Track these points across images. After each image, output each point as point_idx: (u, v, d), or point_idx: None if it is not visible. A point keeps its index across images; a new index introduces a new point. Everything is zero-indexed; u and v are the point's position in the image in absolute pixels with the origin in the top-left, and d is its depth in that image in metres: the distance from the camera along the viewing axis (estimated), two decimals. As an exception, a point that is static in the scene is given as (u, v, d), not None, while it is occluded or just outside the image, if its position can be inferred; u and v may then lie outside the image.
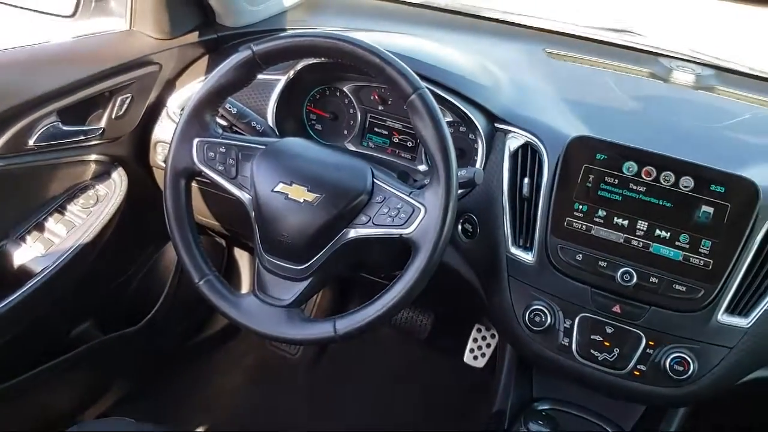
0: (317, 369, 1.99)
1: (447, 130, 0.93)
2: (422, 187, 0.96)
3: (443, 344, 1.97)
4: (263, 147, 1.03)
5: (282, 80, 1.25)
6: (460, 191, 1.09)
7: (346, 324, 0.94)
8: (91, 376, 1.65)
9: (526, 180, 1.08)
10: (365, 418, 1.85)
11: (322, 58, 1.16)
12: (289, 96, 1.26)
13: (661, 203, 0.99)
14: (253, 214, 1.01)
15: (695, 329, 0.98)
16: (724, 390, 1.01)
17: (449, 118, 1.19)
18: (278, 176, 0.99)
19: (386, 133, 1.28)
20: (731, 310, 0.98)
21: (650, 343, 0.99)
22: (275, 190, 0.98)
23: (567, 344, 1.03)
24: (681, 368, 0.97)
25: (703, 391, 0.99)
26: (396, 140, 1.28)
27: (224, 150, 1.03)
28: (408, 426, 1.81)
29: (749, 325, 0.97)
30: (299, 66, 1.23)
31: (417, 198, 0.95)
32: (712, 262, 0.97)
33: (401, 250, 0.97)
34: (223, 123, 1.16)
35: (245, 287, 1.94)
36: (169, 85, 1.37)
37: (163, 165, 1.10)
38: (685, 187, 0.98)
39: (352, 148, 1.31)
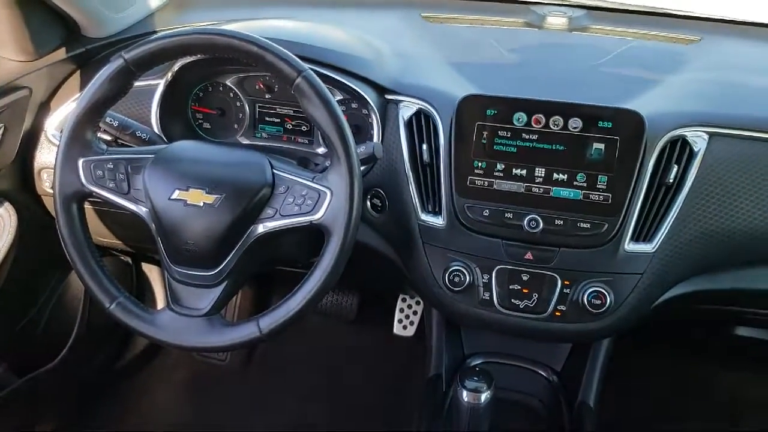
0: (251, 370, 1.96)
1: (338, 109, 0.92)
2: (324, 170, 0.95)
3: (372, 320, 1.98)
4: (152, 156, 0.99)
5: (161, 84, 1.20)
6: (362, 168, 1.09)
7: (270, 321, 0.93)
8: (13, 423, 1.56)
9: (424, 146, 1.08)
10: (309, 408, 1.84)
11: (198, 55, 1.12)
12: (171, 99, 1.22)
13: (554, 148, 1.02)
14: (153, 226, 0.97)
15: (606, 262, 1.02)
16: (641, 316, 1.06)
17: (339, 96, 1.18)
18: (173, 183, 0.96)
19: (278, 121, 1.26)
20: (636, 238, 1.03)
21: (566, 282, 1.03)
22: (172, 198, 0.95)
23: (488, 298, 1.05)
24: (599, 302, 1.01)
25: (622, 320, 1.04)
26: (290, 127, 1.26)
27: (112, 166, 0.98)
28: (353, 407, 1.82)
29: (655, 249, 1.02)
30: (176, 67, 1.19)
31: (321, 182, 0.93)
32: (610, 196, 1.01)
33: (314, 236, 0.96)
34: (107, 138, 1.11)
35: (160, 302, 1.88)
36: (44, 108, 1.29)
37: (51, 192, 1.04)
38: (575, 128, 1.01)
39: (245, 141, 1.28)
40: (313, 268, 0.92)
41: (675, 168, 1.02)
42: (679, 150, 1.03)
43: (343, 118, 0.92)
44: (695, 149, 1.03)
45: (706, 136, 1.04)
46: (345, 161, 0.91)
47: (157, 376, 1.93)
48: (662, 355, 1.74)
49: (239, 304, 1.99)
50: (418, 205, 1.09)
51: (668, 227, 1.02)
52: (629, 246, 1.02)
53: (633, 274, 1.02)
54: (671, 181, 1.02)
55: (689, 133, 1.03)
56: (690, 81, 1.17)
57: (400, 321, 1.85)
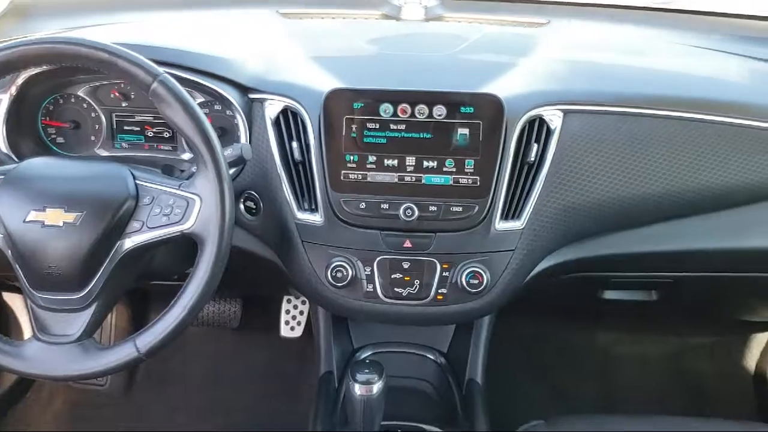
0: (134, 391, 1.88)
1: (200, 112, 0.89)
2: (191, 177, 0.92)
3: (258, 326, 1.95)
4: (1, 177, 0.92)
5: (4, 100, 1.11)
6: (231, 171, 1.07)
7: (147, 339, 0.89)
8: None
9: (294, 144, 1.07)
10: (203, 424, 1.79)
11: (45, 66, 1.05)
12: (17, 115, 1.13)
13: (422, 136, 1.04)
14: (9, 252, 0.90)
15: (480, 242, 1.05)
16: (517, 290, 1.10)
17: (200, 99, 1.14)
18: (27, 204, 0.89)
19: (138, 129, 1.20)
20: (505, 216, 1.06)
21: (444, 266, 1.05)
22: (28, 220, 0.88)
23: (372, 290, 1.06)
24: (476, 281, 1.04)
25: (500, 296, 1.08)
26: (151, 134, 1.20)
27: None
28: (249, 416, 1.79)
29: (523, 225, 1.06)
30: (20, 80, 1.11)
31: (188, 189, 0.90)
32: (478, 178, 1.04)
33: (187, 246, 0.92)
34: (-50, 163, 1.02)
35: (27, 332, 1.76)
36: None
37: None
38: (439, 115, 1.03)
39: (105, 153, 1.21)
40: (189, 280, 0.89)
41: (535, 147, 1.06)
42: (537, 129, 1.08)
43: (206, 121, 0.89)
44: (552, 127, 1.08)
45: (560, 114, 1.09)
46: (212, 165, 0.88)
47: (33, 411, 1.80)
48: (540, 325, 1.83)
49: (115, 325, 1.90)
50: (293, 204, 1.08)
51: (534, 204, 1.06)
52: (500, 225, 1.06)
53: (506, 251, 1.06)
54: (533, 159, 1.06)
55: (545, 113, 1.08)
56: (542, 62, 1.22)
57: (287, 323, 1.83)
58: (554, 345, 1.87)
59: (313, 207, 1.07)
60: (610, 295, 1.34)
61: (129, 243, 0.91)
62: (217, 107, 1.15)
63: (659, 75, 1.30)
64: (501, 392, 1.45)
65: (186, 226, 0.89)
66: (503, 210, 1.06)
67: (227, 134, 1.16)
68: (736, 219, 1.15)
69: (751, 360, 1.82)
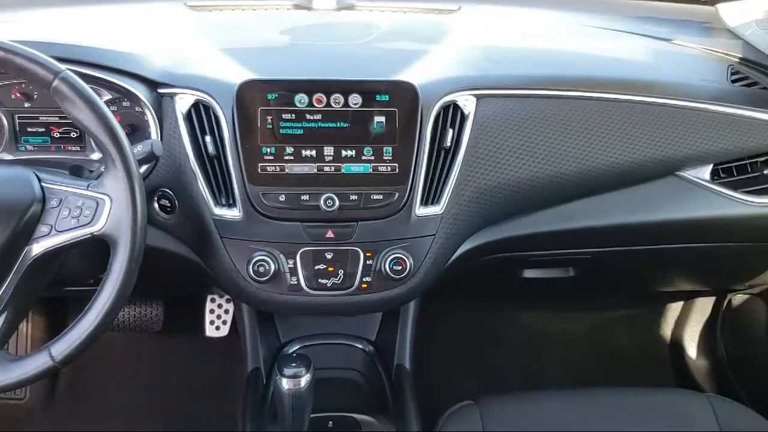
0: (56, 403, 1.81)
1: (105, 109, 0.86)
2: (100, 177, 0.89)
3: (182, 327, 1.91)
4: None
5: None
6: (143, 169, 1.04)
7: (62, 347, 0.85)
8: None
9: (207, 138, 1.05)
10: (131, 429, 1.74)
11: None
12: None
13: (339, 125, 1.04)
14: None
15: (401, 229, 1.06)
16: (439, 274, 1.11)
17: (107, 96, 1.10)
18: None
19: (43, 130, 1.15)
20: (425, 202, 1.07)
21: (368, 254, 1.05)
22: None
23: (296, 283, 1.05)
24: (400, 267, 1.05)
25: (424, 281, 1.09)
26: (57, 135, 1.15)
27: None
28: (178, 421, 1.75)
29: (442, 210, 1.08)
30: None
31: (97, 189, 0.87)
32: (397, 165, 1.04)
33: (99, 249, 0.89)
34: None
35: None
36: None
37: None
38: (355, 104, 1.03)
39: (8, 157, 1.15)
40: (103, 283, 0.86)
41: (450, 132, 1.08)
42: (452, 115, 1.09)
43: (113, 118, 0.86)
44: (466, 112, 1.09)
45: (474, 99, 1.10)
46: (121, 164, 0.86)
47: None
48: (465, 307, 1.86)
49: (31, 335, 1.82)
50: (210, 200, 1.06)
51: (452, 188, 1.07)
52: (420, 210, 1.06)
53: (427, 236, 1.07)
54: (449, 144, 1.07)
55: (459, 98, 1.10)
56: (455, 48, 1.24)
57: (212, 322, 1.79)
58: (480, 326, 1.91)
59: (231, 202, 1.05)
60: (529, 274, 1.38)
61: (38, 248, 0.87)
62: (126, 104, 1.11)
63: (568, 57, 1.34)
64: (430, 376, 1.47)
65: (96, 228, 0.86)
66: (423, 196, 1.07)
67: (138, 131, 1.12)
68: (647, 193, 1.20)
69: (667, 329, 1.90)
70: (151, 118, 1.07)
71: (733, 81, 1.32)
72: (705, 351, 1.81)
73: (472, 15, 1.46)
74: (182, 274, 1.27)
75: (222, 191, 1.06)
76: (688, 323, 1.84)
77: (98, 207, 0.86)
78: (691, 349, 1.83)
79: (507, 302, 1.88)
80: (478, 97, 1.11)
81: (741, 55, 1.40)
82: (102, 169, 0.91)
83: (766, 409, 1.40)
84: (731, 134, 1.18)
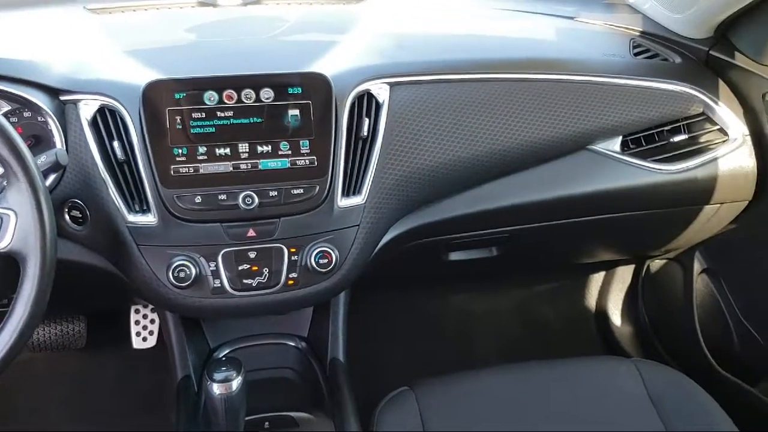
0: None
1: (2, 120, 0.82)
2: (2, 191, 0.84)
3: (107, 342, 1.84)
4: None
5: None
6: (49, 180, 0.99)
7: None
8: None
9: (115, 143, 1.01)
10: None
11: None
12: None
13: (252, 121, 1.02)
14: None
15: (325, 222, 1.05)
16: (366, 264, 1.11)
17: (7, 108, 1.04)
18: None
19: None
20: (347, 193, 1.07)
21: (292, 250, 1.04)
22: None
23: (220, 285, 1.02)
24: (325, 260, 1.04)
25: (351, 272, 1.08)
26: (-48, 151, 1.09)
27: None
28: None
29: (365, 200, 1.07)
30: None
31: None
32: (315, 158, 1.03)
33: (7, 267, 0.85)
34: None
35: None
36: None
37: None
38: (267, 98, 1.01)
39: None
40: (14, 303, 0.81)
41: (366, 121, 1.07)
42: (366, 104, 1.09)
43: (10, 128, 0.82)
44: (380, 101, 1.09)
45: (387, 87, 1.10)
46: (24, 176, 0.81)
47: None
48: (396, 295, 1.87)
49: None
50: (122, 207, 1.02)
51: (372, 177, 1.07)
52: (342, 202, 1.06)
53: (351, 227, 1.07)
54: (365, 134, 1.07)
55: (372, 87, 1.09)
56: (365, 37, 1.24)
57: (138, 334, 1.73)
58: (412, 312, 1.92)
59: (145, 207, 1.02)
60: (454, 256, 1.39)
61: None
62: (27, 114, 1.06)
63: (477, 40, 1.36)
64: (365, 366, 1.47)
65: (2, 245, 0.81)
66: (344, 187, 1.06)
67: (42, 142, 1.07)
68: (560, 169, 1.23)
69: (591, 299, 1.96)
70: (54, 127, 1.02)
71: (636, 54, 1.37)
72: (628, 317, 1.88)
73: (379, 2, 1.46)
74: (101, 286, 1.22)
75: (134, 197, 1.02)
76: (610, 292, 1.90)
77: (2, 223, 0.82)
78: (615, 317, 1.89)
79: (436, 286, 1.90)
80: (392, 85, 1.11)
81: (642, 29, 1.45)
82: (5, 183, 0.86)
83: (689, 368, 1.47)
84: (637, 106, 1.22)
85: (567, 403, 1.14)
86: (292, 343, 1.30)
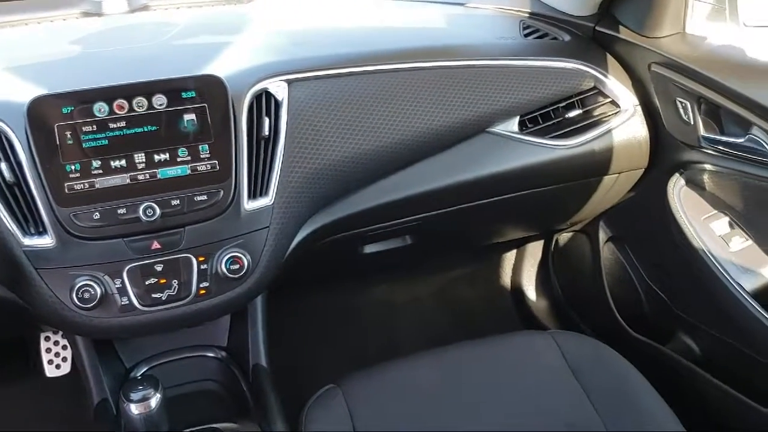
0: None
1: None
2: None
3: (18, 373, 1.75)
4: None
5: None
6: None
7: None
8: None
9: (3, 165, 0.96)
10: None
11: None
12: None
13: (147, 129, 0.98)
14: None
15: (233, 227, 1.03)
16: (280, 266, 1.09)
17: None
18: None
19: None
20: (253, 195, 1.04)
21: (201, 259, 1.01)
22: None
23: (128, 303, 0.99)
24: (237, 266, 1.01)
25: (265, 275, 1.06)
26: None
27: None
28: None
29: (272, 201, 1.05)
30: None
31: None
32: (217, 162, 1.01)
33: None
34: None
35: None
36: None
37: None
38: (161, 105, 0.98)
39: None
40: None
41: (267, 121, 1.06)
42: (266, 103, 1.07)
43: None
44: (279, 99, 1.08)
45: (285, 85, 1.09)
46: None
47: None
48: (317, 293, 1.86)
49: None
50: (16, 231, 0.96)
51: (278, 177, 1.06)
52: (249, 205, 1.03)
53: (260, 229, 1.05)
54: (267, 133, 1.05)
55: (270, 85, 1.08)
56: (258, 36, 1.23)
57: (50, 362, 1.65)
58: (334, 308, 1.92)
59: (41, 229, 0.97)
60: (369, 249, 1.39)
61: None
62: None
63: (372, 32, 1.36)
64: (290, 368, 1.45)
65: None
66: (249, 189, 1.04)
67: None
68: (463, 153, 1.25)
69: (506, 277, 2.01)
70: None
71: (526, 35, 1.40)
72: (542, 291, 1.93)
73: (270, 1, 1.44)
74: (3, 316, 1.16)
75: (29, 219, 0.97)
76: (523, 268, 1.95)
77: None
78: (530, 292, 1.94)
79: (356, 280, 1.90)
80: (290, 82, 1.10)
81: (530, 10, 1.49)
82: None
83: (604, 334, 1.53)
84: (531, 85, 1.26)
85: (490, 381, 1.17)
86: (212, 354, 1.27)
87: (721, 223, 1.27)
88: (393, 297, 1.96)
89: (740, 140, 1.14)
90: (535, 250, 1.92)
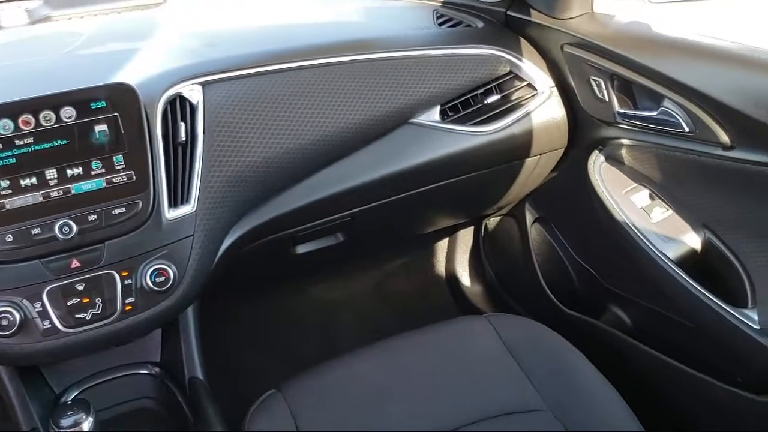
0: None
1: None
2: None
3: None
4: None
5: None
6: None
7: None
8: None
9: None
10: None
11: None
12: None
13: (57, 144, 0.94)
14: None
15: (155, 238, 0.99)
16: (209, 274, 1.07)
17: None
18: None
19: None
20: (174, 203, 1.01)
21: (124, 274, 0.97)
22: None
23: (50, 326, 0.94)
24: (163, 278, 0.98)
25: (194, 285, 1.03)
26: None
27: None
28: None
29: (195, 208, 1.02)
30: None
31: None
32: (133, 173, 0.97)
33: None
34: None
35: None
36: None
37: None
38: (69, 117, 0.94)
39: None
40: None
41: (183, 126, 1.03)
42: (180, 108, 1.04)
43: None
44: (194, 102, 1.05)
45: (199, 88, 1.06)
46: None
47: None
48: (252, 298, 1.83)
49: None
50: None
51: (199, 183, 1.03)
52: (171, 214, 1.00)
53: (185, 238, 1.01)
54: (183, 139, 1.02)
55: (184, 89, 1.05)
56: (169, 40, 1.19)
57: (-26, 395, 1.57)
58: (271, 313, 1.89)
59: None
60: (301, 249, 1.38)
61: None
62: None
63: (287, 29, 1.35)
64: (229, 378, 1.42)
65: None
66: (170, 198, 1.01)
67: None
68: (387, 146, 1.24)
69: (440, 266, 2.02)
70: None
71: (440, 24, 1.41)
72: (476, 276, 1.95)
73: (179, 5, 1.40)
74: None
75: None
76: (456, 255, 1.96)
77: None
78: (465, 278, 1.96)
79: (291, 282, 1.87)
80: (204, 85, 1.07)
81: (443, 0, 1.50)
82: None
83: (538, 314, 1.56)
84: (448, 74, 1.26)
85: (431, 370, 1.17)
86: (145, 371, 1.23)
87: (642, 196, 1.31)
88: (330, 296, 1.95)
89: (654, 113, 1.18)
90: (466, 237, 1.94)
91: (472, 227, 1.91)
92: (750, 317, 1.09)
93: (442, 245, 2.00)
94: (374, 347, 1.22)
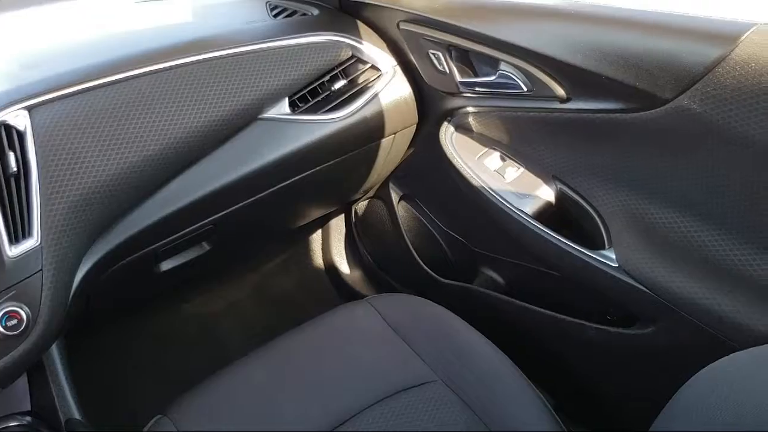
0: None
1: None
2: None
3: None
4: None
5: None
6: None
7: None
8: None
9: None
10: None
11: None
12: None
13: None
14: None
15: None
16: (68, 308, 1.00)
17: None
18: None
19: None
20: (15, 239, 0.94)
21: None
22: None
23: None
24: (15, 321, 0.91)
25: (51, 322, 0.96)
26: None
27: None
28: None
29: (39, 240, 0.95)
30: None
31: None
32: None
33: None
34: None
35: None
36: None
37: None
38: None
39: None
40: None
41: (12, 155, 0.95)
42: (6, 136, 0.97)
43: None
44: (21, 129, 0.98)
45: (25, 113, 0.99)
46: None
47: None
48: (125, 325, 1.75)
49: None
50: None
51: (40, 214, 0.96)
52: (12, 251, 0.93)
53: (32, 275, 0.94)
54: (15, 170, 0.95)
55: (7, 117, 0.98)
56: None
57: None
58: (147, 335, 1.81)
59: None
60: (166, 266, 1.32)
61: None
62: None
63: (113, 39, 1.27)
64: (111, 411, 1.35)
65: None
66: (9, 233, 0.93)
67: None
68: (239, 146, 1.20)
69: (317, 257, 2.01)
70: None
71: (275, 15, 1.39)
72: (354, 262, 1.96)
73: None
74: None
75: None
76: (332, 244, 1.96)
77: None
78: (343, 266, 1.96)
79: (164, 300, 1.80)
80: (29, 109, 1.00)
81: (274, -9, 1.48)
82: None
83: (418, 288, 1.58)
84: (290, 65, 1.24)
85: (321, 363, 1.16)
86: (16, 423, 1.13)
87: (494, 158, 1.35)
88: (209, 307, 1.89)
89: (493, 78, 1.21)
90: (338, 225, 1.94)
91: (343, 214, 1.91)
92: (608, 257, 1.16)
93: (317, 237, 1.99)
94: (258, 351, 1.20)
